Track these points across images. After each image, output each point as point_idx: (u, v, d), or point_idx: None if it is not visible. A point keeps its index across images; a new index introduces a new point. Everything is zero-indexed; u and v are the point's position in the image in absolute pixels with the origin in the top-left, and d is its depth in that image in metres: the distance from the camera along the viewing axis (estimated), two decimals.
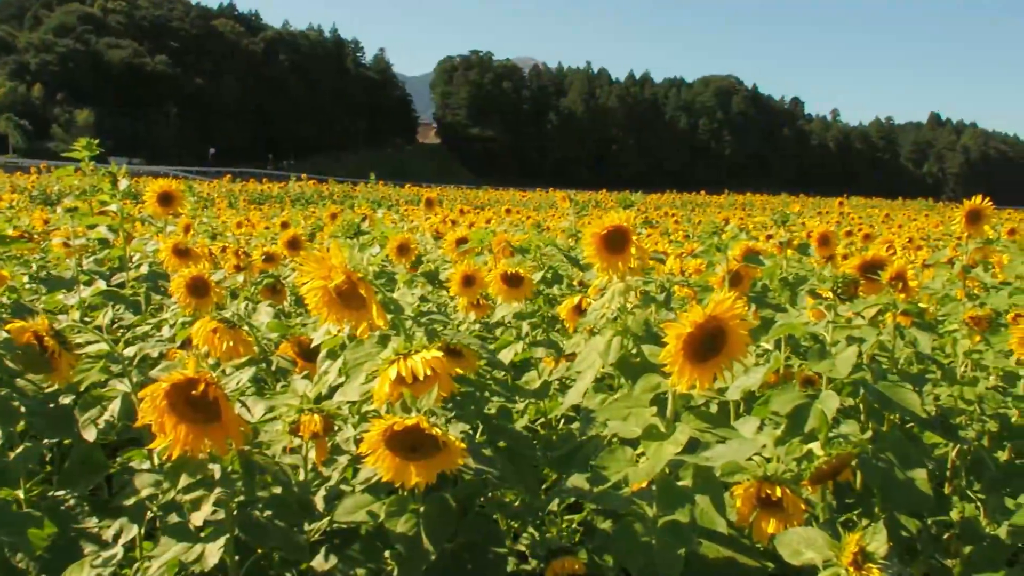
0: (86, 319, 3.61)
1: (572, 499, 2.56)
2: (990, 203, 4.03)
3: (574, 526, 3.33)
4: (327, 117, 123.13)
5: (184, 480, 1.88)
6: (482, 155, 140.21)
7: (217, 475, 1.93)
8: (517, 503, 2.95)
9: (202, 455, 1.89)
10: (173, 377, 1.76)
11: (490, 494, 3.02)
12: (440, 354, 1.91)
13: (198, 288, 3.13)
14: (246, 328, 2.63)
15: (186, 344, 2.69)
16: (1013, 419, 3.18)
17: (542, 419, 3.67)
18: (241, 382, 2.58)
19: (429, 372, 1.88)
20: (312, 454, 2.29)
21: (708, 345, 1.89)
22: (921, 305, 3.48)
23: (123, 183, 4.13)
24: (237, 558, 2.08)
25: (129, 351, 2.29)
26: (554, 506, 2.96)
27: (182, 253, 3.77)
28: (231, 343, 2.52)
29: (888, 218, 18.66)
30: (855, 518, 2.84)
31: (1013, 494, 2.74)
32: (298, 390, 2.29)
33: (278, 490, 2.09)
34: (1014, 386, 3.37)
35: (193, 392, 1.76)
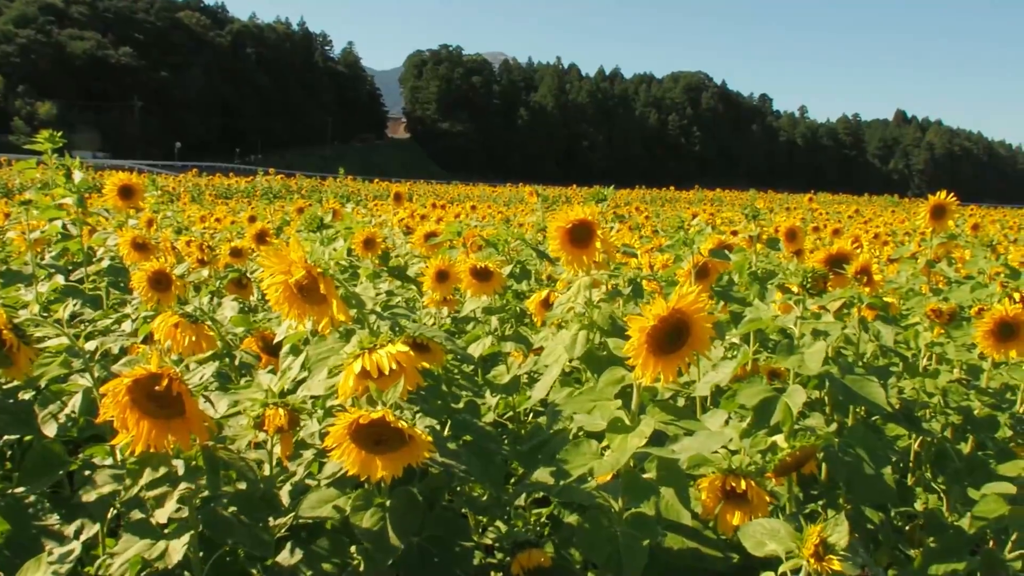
0: (45, 315, 3.56)
1: (541, 493, 2.57)
2: (954, 199, 4.08)
3: (543, 520, 3.34)
4: (295, 111, 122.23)
5: (147, 476, 1.86)
6: (452, 150, 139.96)
7: (181, 471, 1.91)
8: (485, 497, 2.95)
9: (165, 451, 1.87)
10: (135, 372, 1.74)
11: (459, 489, 3.02)
12: (406, 348, 1.90)
13: (160, 282, 3.10)
14: (209, 323, 2.60)
15: (149, 339, 2.66)
16: (976, 411, 3.22)
17: (511, 413, 3.67)
18: (205, 377, 2.56)
19: (394, 366, 1.86)
20: (277, 449, 2.27)
21: (672, 338, 1.89)
22: (887, 300, 3.53)
23: (78, 176, 4.06)
24: (202, 554, 2.06)
25: (90, 345, 2.25)
26: (522, 500, 2.97)
27: (141, 247, 3.72)
28: (193, 338, 2.49)
29: (857, 213, 18.87)
30: (820, 510, 2.87)
31: (975, 485, 2.78)
32: (263, 384, 2.26)
33: (243, 486, 2.07)
34: (977, 379, 3.42)
35: (156, 387, 1.74)
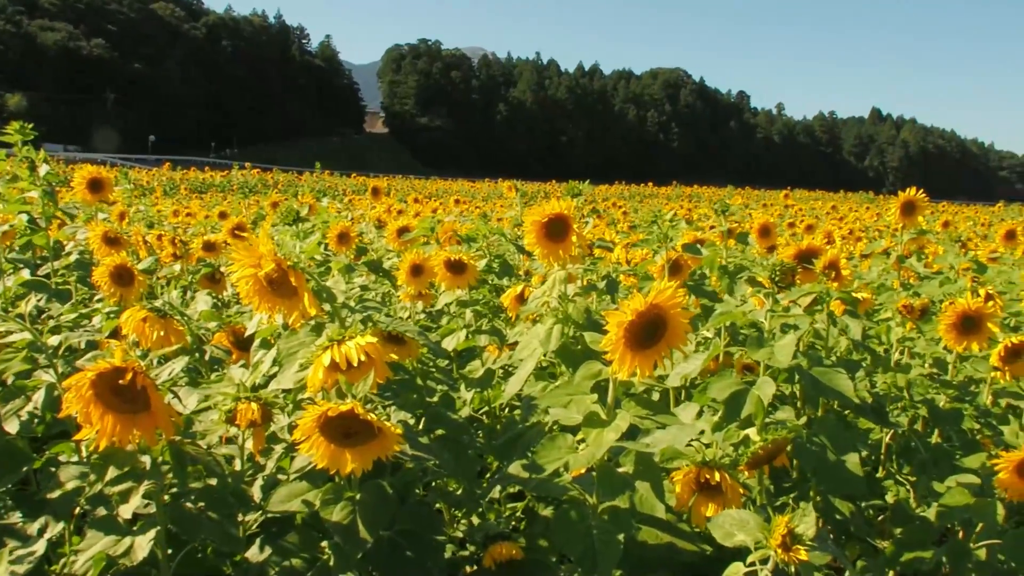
0: (8, 310, 3.52)
1: (516, 487, 2.56)
2: (924, 195, 4.11)
3: (518, 513, 3.33)
4: (273, 105, 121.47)
5: (112, 472, 1.83)
6: (431, 145, 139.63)
7: (147, 466, 1.89)
8: (460, 491, 2.94)
9: (131, 446, 1.85)
10: (99, 366, 1.71)
11: (434, 483, 3.01)
12: (375, 340, 1.88)
13: (122, 276, 3.06)
14: (178, 317, 2.58)
15: (116, 334, 2.63)
16: (942, 404, 3.25)
17: (486, 408, 3.66)
18: (174, 372, 2.53)
19: (363, 358, 1.85)
20: (249, 443, 2.25)
21: (649, 333, 1.89)
22: (859, 295, 3.55)
23: (44, 169, 4.00)
24: (170, 551, 2.03)
25: (53, 340, 2.23)
26: (496, 493, 2.96)
27: (113, 241, 3.67)
28: (162, 332, 2.46)
29: (833, 210, 18.99)
30: (791, 502, 2.88)
31: (940, 477, 2.80)
32: (234, 378, 2.24)
33: (214, 481, 2.05)
34: (945, 372, 3.45)
35: (120, 381, 1.72)
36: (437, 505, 3.05)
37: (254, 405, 2.10)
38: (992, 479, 2.47)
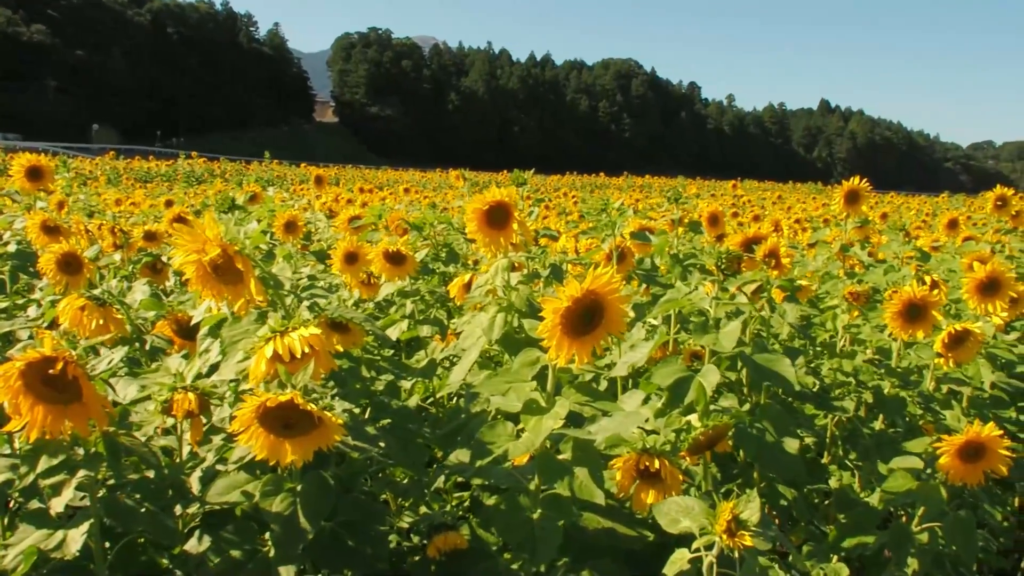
0: None
1: (464, 476, 2.56)
2: (867, 184, 4.18)
3: (466, 503, 3.33)
4: (220, 94, 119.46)
5: (44, 463, 1.79)
6: (382, 134, 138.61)
7: (80, 458, 1.85)
8: (406, 481, 2.93)
9: (63, 437, 1.80)
10: (28, 355, 1.67)
11: (381, 474, 2.99)
12: (319, 331, 1.86)
13: (70, 265, 3.00)
14: (117, 306, 2.52)
15: (55, 324, 2.57)
16: (886, 390, 3.31)
17: (432, 398, 3.65)
18: (113, 362, 2.48)
19: (307, 349, 1.82)
20: (188, 435, 2.21)
21: (586, 319, 1.89)
22: (802, 282, 3.60)
23: None
24: (107, 544, 1.99)
25: None
26: (442, 483, 2.95)
27: (52, 230, 3.59)
28: (100, 321, 2.41)
29: (780, 199, 19.23)
30: (737, 488, 2.91)
31: (884, 461, 2.85)
32: (171, 368, 2.20)
33: (151, 473, 2.01)
34: (889, 359, 3.51)
35: (50, 371, 1.67)
36: (384, 495, 3.03)
37: (191, 395, 2.06)
38: (934, 463, 2.52)
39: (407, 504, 3.16)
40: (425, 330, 3.56)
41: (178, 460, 2.23)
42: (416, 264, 3.55)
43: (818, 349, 3.87)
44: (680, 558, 1.75)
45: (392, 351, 3.78)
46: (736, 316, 2.49)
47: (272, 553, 1.88)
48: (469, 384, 2.71)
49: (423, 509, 3.19)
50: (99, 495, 1.92)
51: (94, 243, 4.12)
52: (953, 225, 6.29)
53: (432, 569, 2.26)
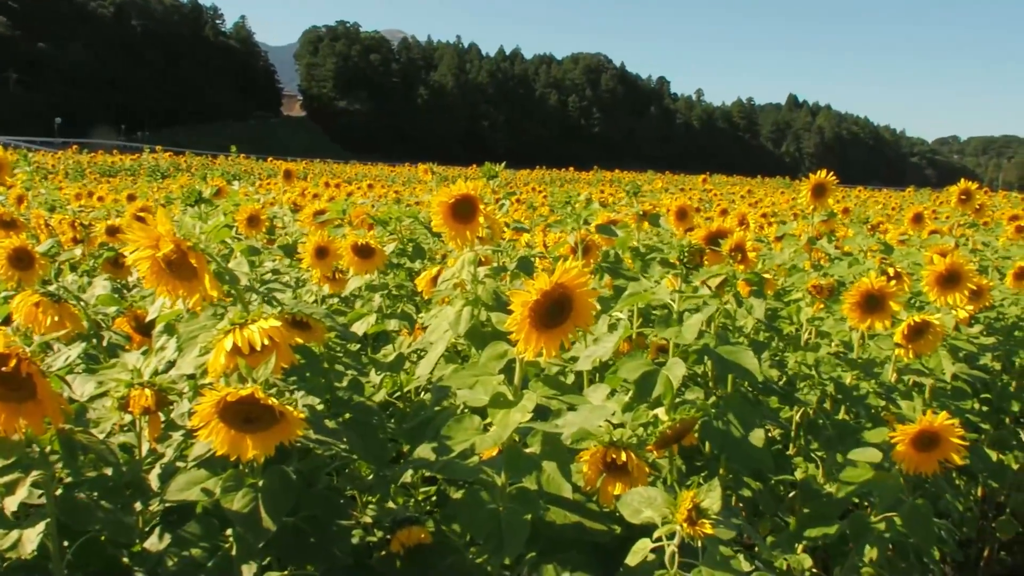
0: None
1: (430, 471, 2.55)
2: (833, 177, 4.21)
3: (433, 498, 3.32)
4: (186, 87, 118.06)
5: None
6: (350, 129, 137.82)
7: (36, 456, 1.81)
8: (371, 476, 2.91)
9: (17, 436, 1.77)
10: None
11: (347, 469, 2.97)
12: (278, 323, 1.84)
13: (21, 260, 2.95)
14: (73, 302, 2.48)
15: (8, 321, 2.52)
16: (847, 381, 3.34)
17: (400, 392, 3.63)
18: (71, 359, 2.44)
19: (267, 342, 1.80)
20: (147, 431, 2.18)
21: (554, 313, 1.89)
22: (766, 275, 3.62)
23: None
24: (65, 543, 1.96)
25: None
26: (408, 477, 2.94)
27: (9, 225, 3.53)
28: (56, 318, 2.38)
29: (749, 194, 19.37)
30: (702, 480, 2.93)
31: (846, 452, 2.88)
32: (128, 364, 2.17)
33: (108, 470, 1.99)
34: (853, 351, 3.54)
35: (3, 368, 1.64)
36: (350, 491, 3.01)
37: (148, 391, 2.03)
38: (891, 452, 2.55)
39: (373, 500, 3.15)
40: (393, 324, 3.54)
41: (137, 457, 2.20)
42: (385, 257, 3.53)
43: (783, 343, 3.90)
44: (642, 548, 1.75)
45: (358, 346, 3.75)
46: (699, 310, 2.50)
47: (234, 550, 1.86)
48: (437, 378, 2.70)
49: (390, 504, 3.17)
50: (56, 493, 1.89)
51: (54, 237, 4.07)
52: (918, 219, 6.37)
53: (397, 564, 2.25)
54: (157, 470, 2.15)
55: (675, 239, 4.89)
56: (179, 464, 2.13)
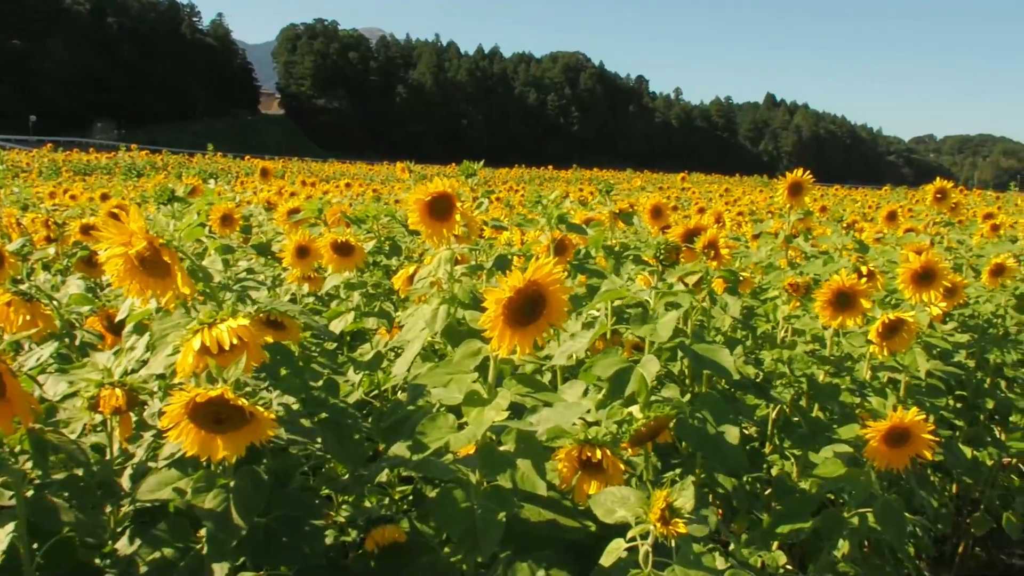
0: None
1: (405, 469, 2.54)
2: (810, 176, 4.24)
3: (410, 497, 3.31)
4: (163, 85, 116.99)
5: None
6: (329, 127, 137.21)
7: (5, 457, 1.79)
8: (347, 476, 2.90)
9: None
10: None
11: (323, 468, 2.95)
12: (247, 322, 1.83)
13: None
14: (45, 301, 2.46)
15: None
16: (821, 379, 3.36)
17: (377, 391, 3.62)
18: (42, 358, 2.42)
19: (235, 341, 1.79)
20: (118, 431, 2.16)
21: (528, 310, 1.89)
22: (744, 274, 3.63)
23: None
24: (36, 544, 1.94)
25: None
26: (384, 476, 2.93)
27: None
28: (28, 317, 2.35)
29: (727, 192, 19.45)
30: (677, 478, 2.93)
31: (819, 449, 2.90)
32: (99, 364, 2.15)
33: (79, 471, 1.96)
34: (825, 348, 3.56)
35: None
36: (327, 490, 3.00)
37: (118, 391, 2.02)
38: (864, 449, 2.57)
39: (350, 499, 3.14)
40: (371, 322, 3.53)
41: (108, 457, 2.18)
42: (364, 255, 3.52)
43: (759, 341, 3.92)
44: (616, 548, 1.75)
45: (335, 344, 3.74)
46: (674, 307, 2.51)
47: (205, 550, 1.85)
48: (412, 376, 2.70)
49: (367, 504, 3.16)
50: (26, 494, 1.87)
51: (26, 236, 4.02)
52: (892, 217, 6.43)
53: (372, 564, 2.24)
54: (129, 471, 2.13)
55: (651, 237, 4.89)
56: (151, 465, 2.11)
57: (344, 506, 3.00)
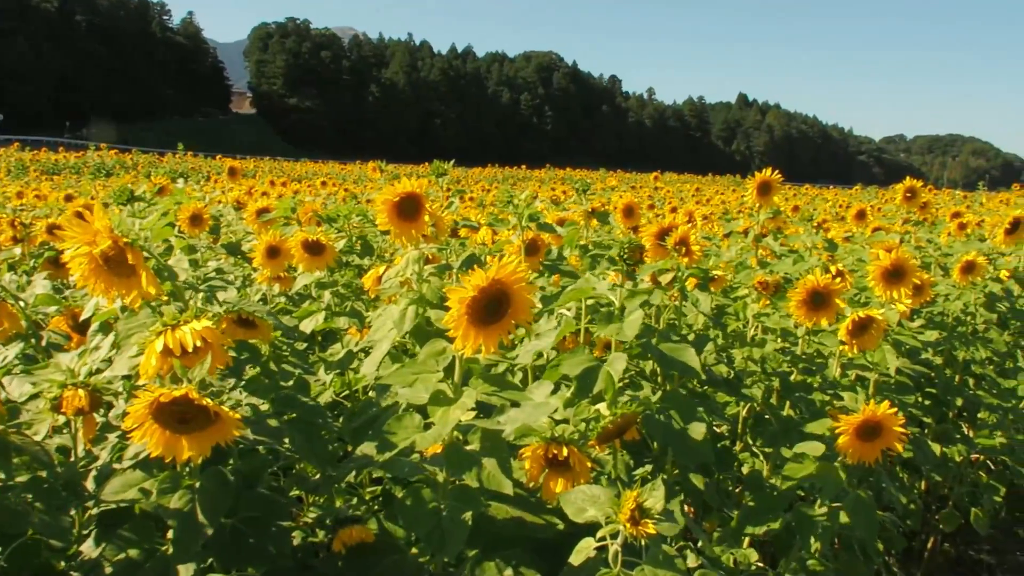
0: None
1: (372, 469, 2.53)
2: (779, 175, 4.26)
3: (380, 497, 3.29)
4: (134, 84, 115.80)
5: None
6: (301, 126, 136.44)
7: None
8: (317, 476, 2.88)
9: None
10: None
11: (294, 469, 2.93)
12: (211, 324, 1.81)
13: None
14: (11, 301, 2.42)
15: None
16: (792, 377, 3.39)
17: (348, 391, 3.60)
18: (7, 359, 2.38)
19: (199, 343, 1.77)
20: (82, 433, 2.14)
21: (492, 309, 1.88)
22: (717, 272, 3.65)
23: None
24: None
25: None
26: (353, 477, 2.92)
27: None
28: None
29: (699, 192, 19.56)
30: (650, 476, 2.94)
31: (791, 446, 2.91)
32: (62, 364, 2.12)
33: (43, 472, 1.94)
34: (797, 346, 3.59)
35: None
36: (297, 491, 2.98)
37: (81, 392, 1.99)
38: (835, 445, 2.59)
39: (321, 500, 3.12)
40: (342, 322, 3.51)
41: (73, 459, 2.16)
42: (335, 254, 3.50)
43: (730, 339, 3.94)
44: (586, 547, 1.76)
45: (306, 344, 3.71)
46: (641, 306, 2.51)
47: (171, 551, 1.83)
48: (378, 376, 2.69)
49: (338, 504, 3.14)
50: None
51: None
52: (861, 216, 6.50)
53: (339, 564, 2.23)
54: (94, 472, 2.10)
55: (626, 236, 4.91)
56: (115, 466, 2.08)
57: (314, 507, 2.98)
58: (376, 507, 3.20)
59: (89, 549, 1.95)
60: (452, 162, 3.50)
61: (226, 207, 5.72)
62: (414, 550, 2.33)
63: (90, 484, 2.07)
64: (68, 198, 6.36)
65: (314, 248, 3.38)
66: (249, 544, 1.93)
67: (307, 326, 3.43)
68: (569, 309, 3.09)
